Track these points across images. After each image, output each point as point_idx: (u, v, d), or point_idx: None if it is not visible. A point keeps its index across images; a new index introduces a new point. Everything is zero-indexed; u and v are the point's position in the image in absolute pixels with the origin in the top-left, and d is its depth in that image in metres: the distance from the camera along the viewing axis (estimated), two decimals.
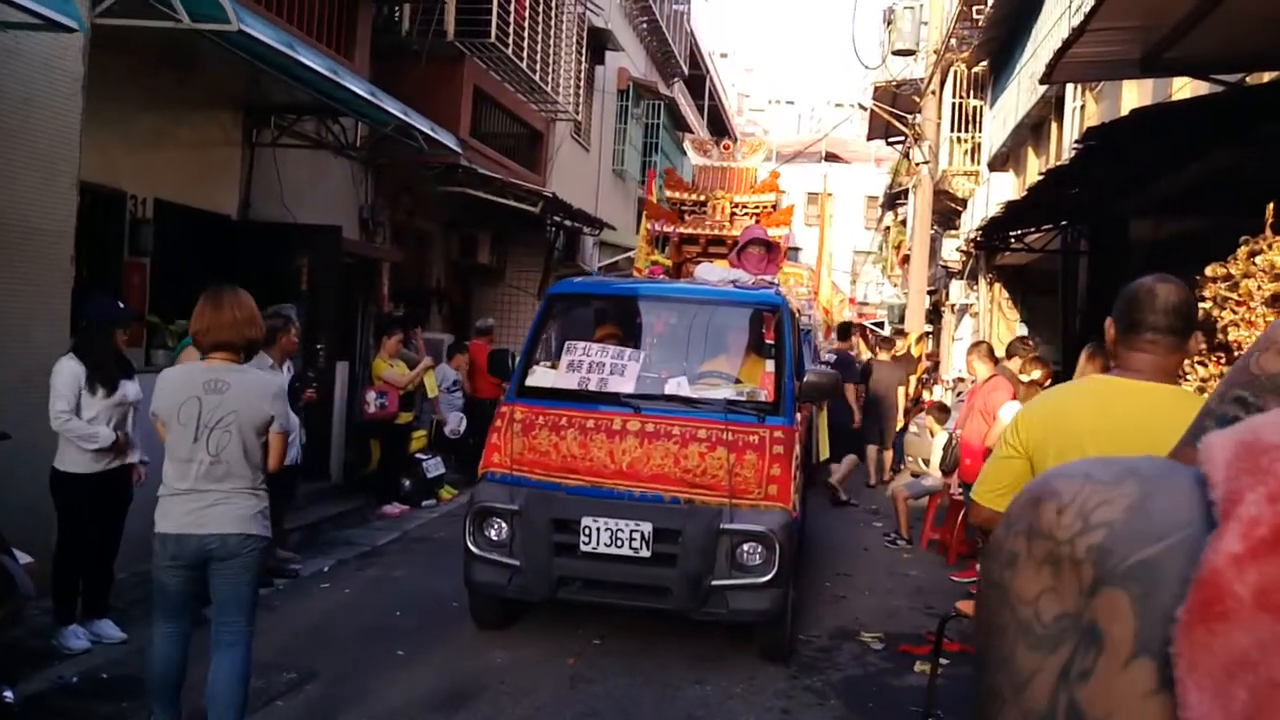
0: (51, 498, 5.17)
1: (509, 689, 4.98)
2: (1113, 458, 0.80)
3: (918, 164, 16.18)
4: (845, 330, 12.33)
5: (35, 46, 5.37)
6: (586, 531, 5.12)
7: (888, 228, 31.42)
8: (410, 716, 4.61)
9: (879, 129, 20.61)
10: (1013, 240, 11.86)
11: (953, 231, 19.02)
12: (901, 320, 20.77)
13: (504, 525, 5.27)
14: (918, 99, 16.29)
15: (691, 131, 22.02)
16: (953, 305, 19.30)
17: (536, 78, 12.06)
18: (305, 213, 9.35)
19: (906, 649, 5.96)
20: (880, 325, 22.89)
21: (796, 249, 20.58)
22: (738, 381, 5.81)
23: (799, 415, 5.91)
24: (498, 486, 5.35)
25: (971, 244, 14.16)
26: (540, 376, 5.76)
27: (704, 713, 4.88)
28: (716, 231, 8.62)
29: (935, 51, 15.45)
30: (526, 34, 11.55)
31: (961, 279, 18.03)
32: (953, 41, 15.68)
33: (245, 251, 8.41)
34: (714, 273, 7.02)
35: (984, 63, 16.44)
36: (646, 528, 5.09)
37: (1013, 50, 14.52)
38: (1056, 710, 0.69)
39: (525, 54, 11.56)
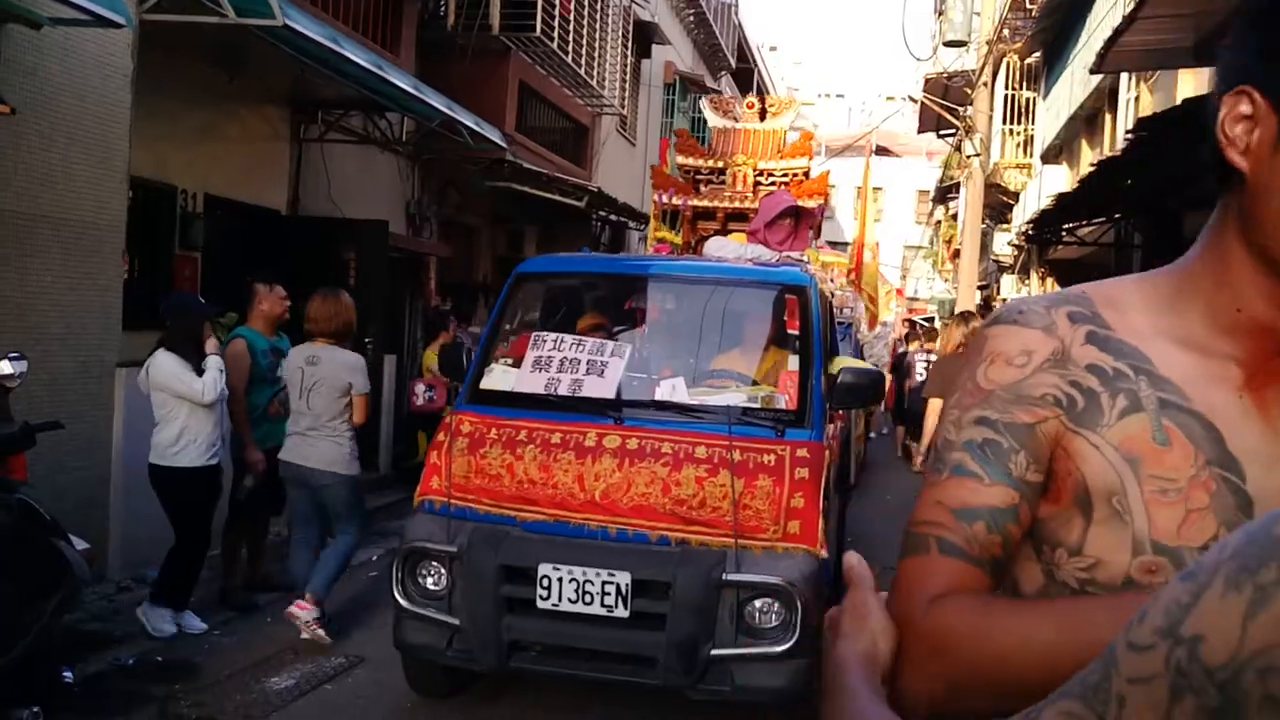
0: (163, 495, 5.25)
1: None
2: None
3: (969, 157, 15.93)
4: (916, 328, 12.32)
5: (86, 44, 5.49)
6: (545, 583, 3.86)
7: (939, 222, 31.02)
8: (458, 702, 4.66)
9: (930, 122, 20.33)
10: (1065, 234, 11.63)
11: (1005, 225, 18.71)
12: (951, 316, 20.48)
13: (441, 571, 4.06)
14: (969, 91, 16.04)
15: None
16: (1005, 300, 19.01)
17: (582, 72, 12.07)
18: (353, 207, 9.46)
19: None
20: (930, 320, 22.63)
21: (841, 244, 20.18)
22: (755, 384, 4.60)
23: (831, 426, 4.66)
24: (435, 521, 4.09)
25: (1022, 237, 13.92)
26: (498, 377, 4.56)
27: None
28: (737, 204, 7.21)
29: (987, 42, 15.19)
30: (572, 28, 11.57)
31: (1013, 274, 17.74)
32: (1005, 32, 15.40)
33: (294, 246, 8.54)
34: (727, 248, 5.93)
35: (1037, 54, 16.14)
36: (624, 578, 3.82)
37: (1066, 40, 14.22)
38: None
39: (570, 48, 11.58)
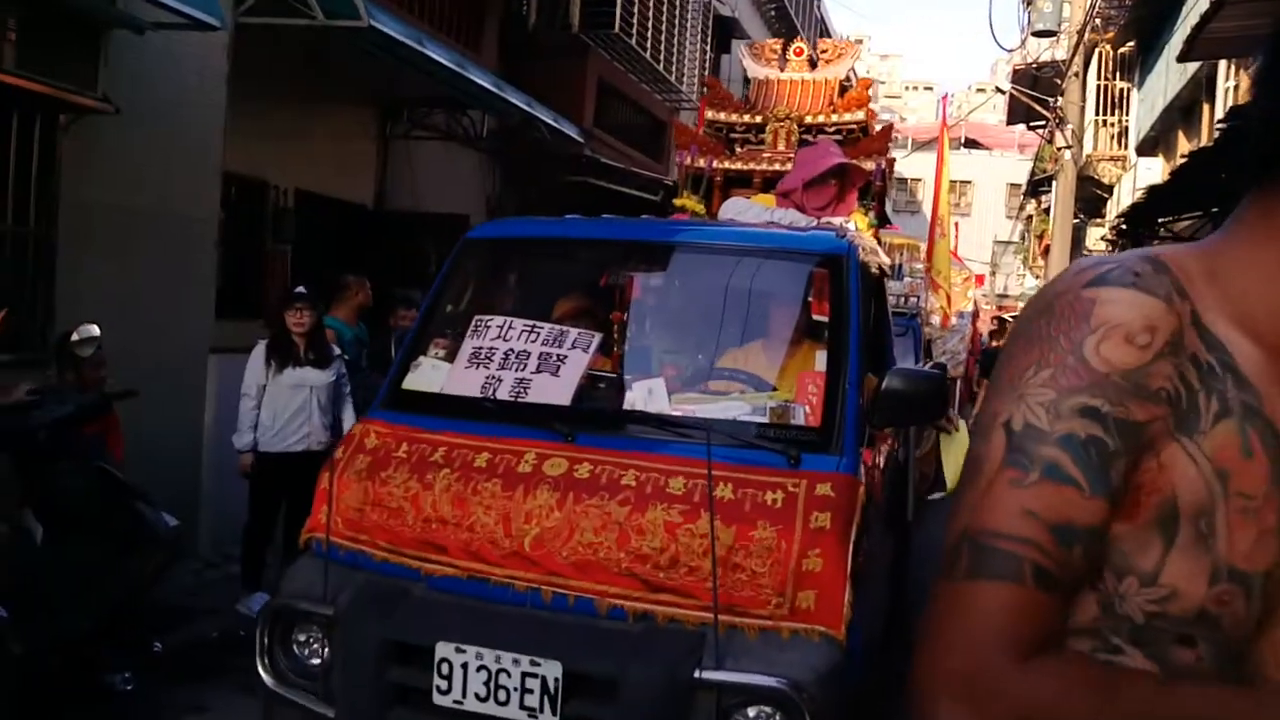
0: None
1: None
2: None
3: (1059, 149, 15.52)
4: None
5: (185, 47, 5.77)
6: (445, 669, 2.73)
7: (1030, 216, 30.24)
8: None
9: (1019, 113, 19.84)
10: (1160, 228, 11.26)
11: (1098, 220, 18.17)
12: None
13: (317, 639, 2.98)
14: (1059, 81, 15.62)
15: None
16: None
17: (660, 68, 12.14)
18: (435, 202, 9.72)
19: None
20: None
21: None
22: (775, 390, 3.34)
23: (873, 451, 3.37)
24: (316, 567, 2.96)
25: (1114, 232, 13.52)
26: (425, 375, 3.49)
27: None
28: (778, 167, 5.69)
29: (1078, 32, 14.77)
30: (651, 24, 11.65)
31: None
32: (1097, 21, 14.96)
33: (378, 239, 8.82)
34: (750, 211, 4.59)
35: (1131, 43, 15.64)
36: (553, 670, 2.66)
37: (1161, 28, 13.76)
38: None
39: (649, 44, 11.66)
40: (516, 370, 3.29)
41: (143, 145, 5.64)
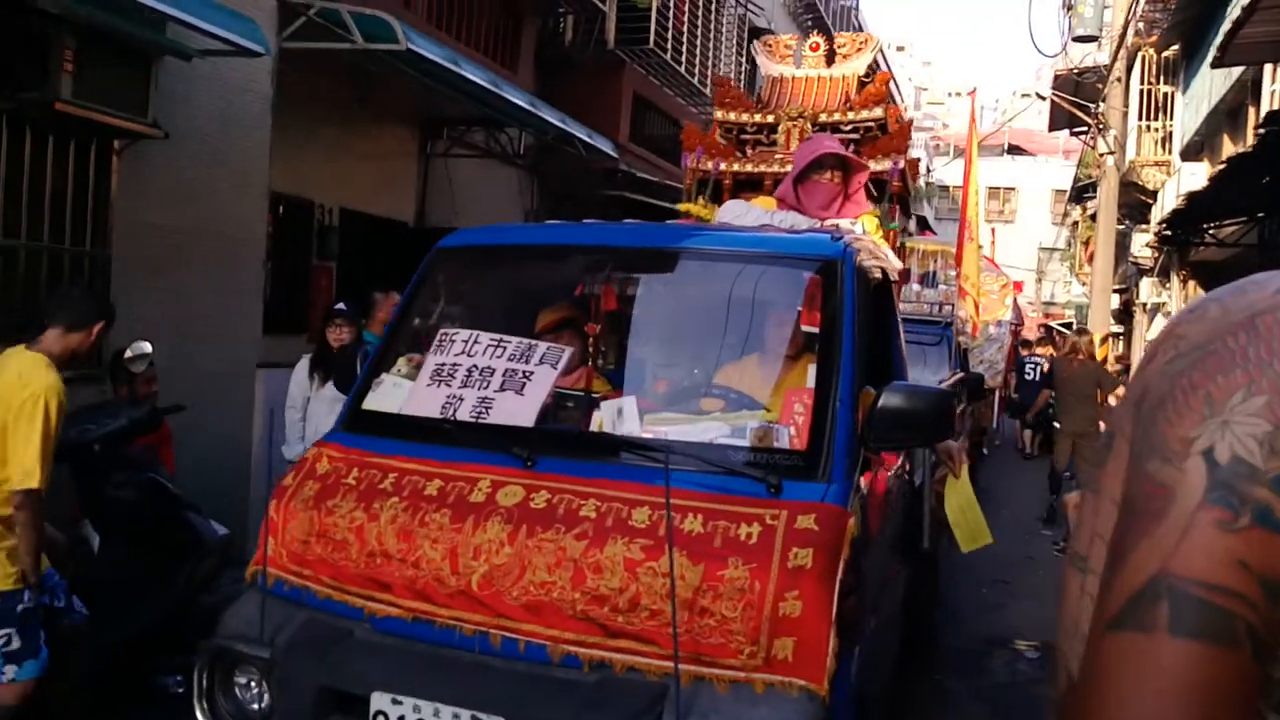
0: None
1: None
2: None
3: (1102, 155, 15.38)
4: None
5: (231, 72, 5.98)
6: None
7: (1075, 223, 29.86)
8: None
9: (1061, 119, 19.66)
10: (1205, 234, 11.12)
11: (1143, 226, 17.94)
12: (1085, 321, 19.76)
13: (255, 684, 2.74)
14: (1101, 86, 15.48)
15: None
16: (1144, 305, 18.20)
17: (695, 80, 12.26)
18: (475, 218, 9.90)
19: None
20: (1068, 327, 21.87)
21: (979, 246, 19.46)
22: (765, 409, 3.04)
23: (871, 476, 3.05)
24: (257, 603, 2.75)
25: (1157, 237, 13.35)
26: (386, 394, 3.25)
27: None
28: (789, 169, 5.11)
29: (1120, 36, 14.64)
30: (685, 38, 11.77)
31: (1153, 276, 16.98)
32: (1140, 25, 14.81)
33: (420, 255, 8.99)
34: (748, 214, 4.22)
35: (1175, 46, 15.45)
36: None
37: (1205, 31, 13.58)
38: None
39: (684, 58, 11.79)
40: (480, 388, 3.02)
41: (192, 167, 5.85)
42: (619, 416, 2.95)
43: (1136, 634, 0.70)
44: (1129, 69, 15.72)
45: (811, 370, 3.00)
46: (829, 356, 2.95)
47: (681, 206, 5.14)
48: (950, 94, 55.99)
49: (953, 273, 7.53)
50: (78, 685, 3.63)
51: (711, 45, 12.82)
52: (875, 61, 5.66)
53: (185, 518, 4.34)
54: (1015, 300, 16.19)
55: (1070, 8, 14.82)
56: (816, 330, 3.05)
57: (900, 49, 52.73)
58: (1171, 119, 15.99)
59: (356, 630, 2.67)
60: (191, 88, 5.74)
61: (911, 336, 7.44)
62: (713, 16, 12.78)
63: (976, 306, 8.24)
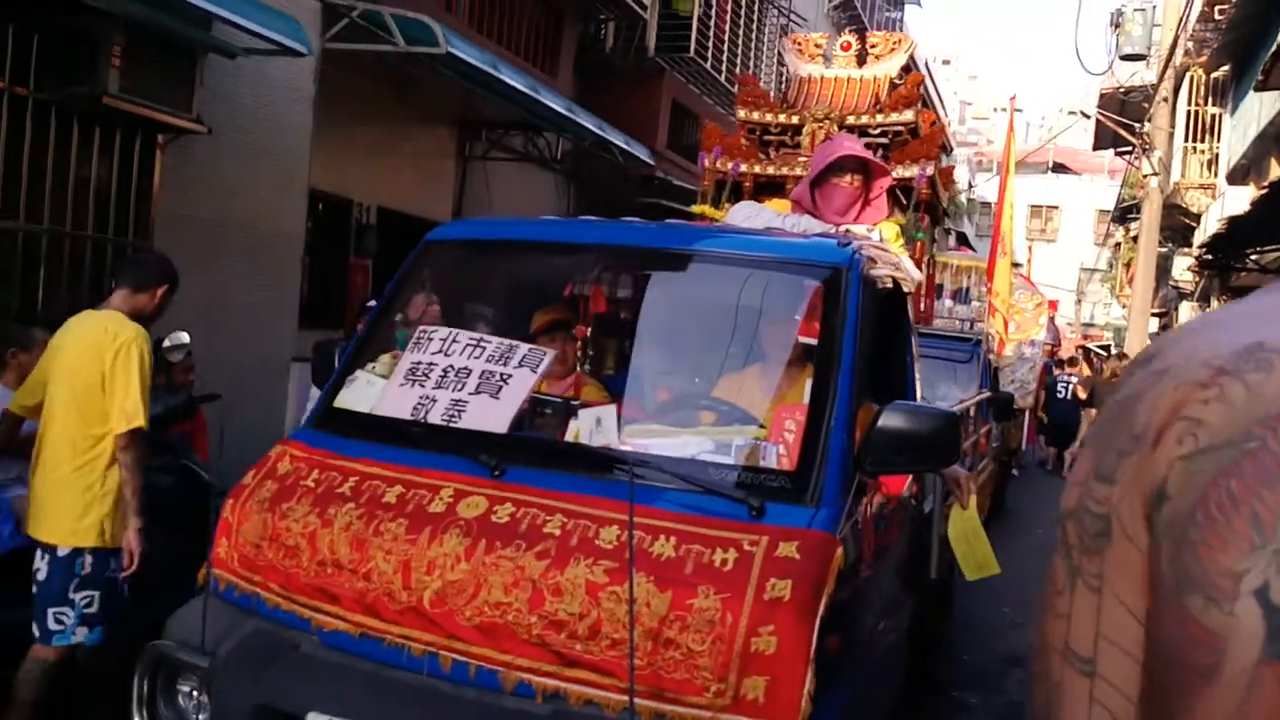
0: None
1: None
2: None
3: (1145, 176, 15.19)
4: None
5: (274, 71, 6.11)
6: None
7: (1118, 244, 29.49)
8: None
9: (1105, 138, 19.45)
10: (1248, 259, 10.96)
11: (1185, 249, 17.69)
12: (1124, 343, 19.52)
13: (197, 693, 2.58)
14: (1147, 106, 15.30)
15: None
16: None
17: (734, 90, 12.27)
18: None
19: None
20: (1106, 349, 21.63)
21: (1016, 264, 19.09)
22: (761, 425, 2.82)
23: (867, 502, 2.79)
24: (197, 608, 2.58)
25: (1198, 261, 13.17)
26: (359, 391, 3.07)
27: None
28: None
29: (1167, 55, 14.46)
30: (726, 47, 11.80)
31: (1193, 300, 16.74)
32: (1189, 44, 14.62)
33: None
34: (759, 216, 4.00)
35: (1225, 67, 15.23)
36: None
37: (1257, 52, 13.38)
38: None
39: (724, 67, 11.81)
40: (454, 390, 2.81)
41: (234, 163, 5.98)
42: (597, 426, 2.75)
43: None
44: (1176, 89, 15.52)
45: (809, 385, 2.78)
46: (826, 371, 2.73)
47: (695, 208, 4.84)
48: (995, 109, 55.52)
49: (985, 289, 7.39)
50: (107, 663, 3.73)
51: (752, 54, 12.84)
52: (909, 64, 5.35)
53: (217, 505, 4.45)
54: (1053, 320, 15.94)
55: (1118, 26, 14.67)
56: (815, 342, 2.84)
57: (946, 62, 52.38)
58: (1218, 141, 15.77)
59: (304, 643, 2.48)
60: (235, 85, 5.87)
61: (942, 353, 7.35)
62: (754, 25, 12.81)
63: (1005, 324, 7.99)
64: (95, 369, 3.30)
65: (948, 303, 10.27)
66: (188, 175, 5.70)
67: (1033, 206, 38.34)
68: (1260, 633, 0.60)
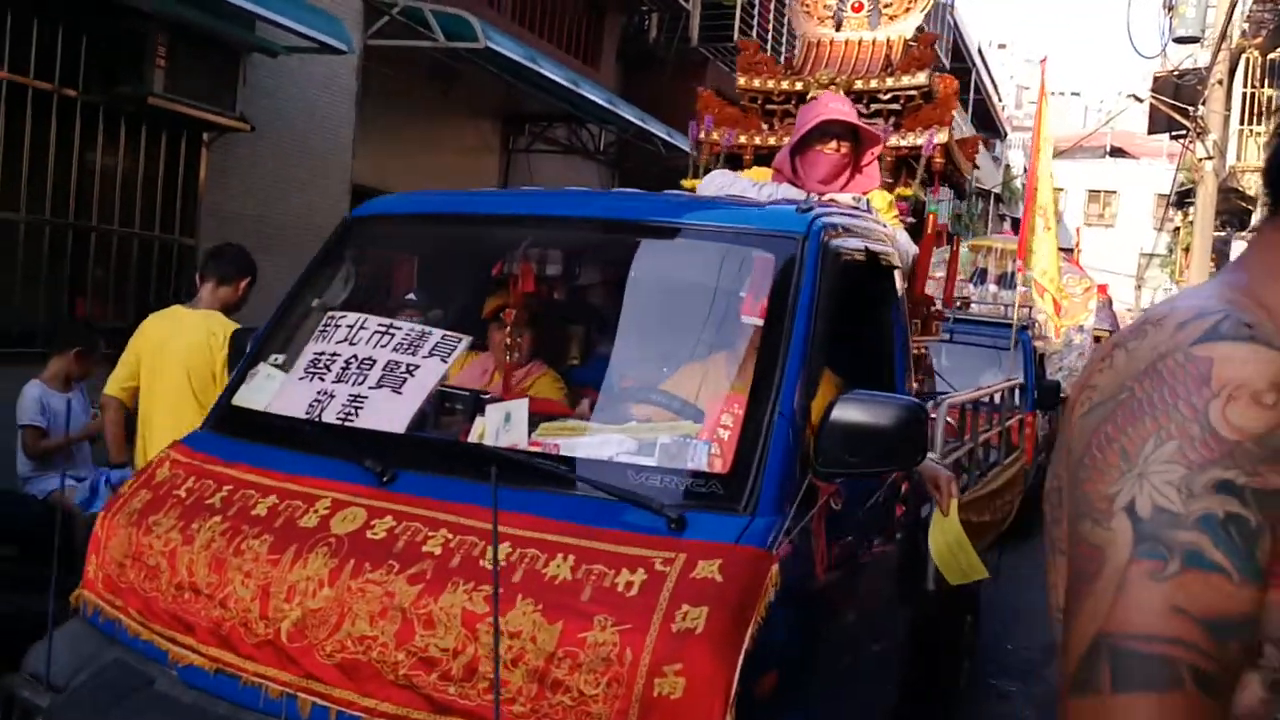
0: None
1: None
2: None
3: (1200, 160, 14.83)
4: None
5: (316, 68, 6.22)
6: None
7: (1177, 228, 28.80)
8: None
9: (1160, 122, 18.98)
10: None
11: (1243, 233, 17.24)
12: None
13: None
14: (1201, 89, 14.92)
15: None
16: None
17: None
18: None
19: None
20: None
21: (1068, 249, 18.22)
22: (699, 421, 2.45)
23: (823, 508, 2.32)
24: (80, 635, 2.35)
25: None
26: (259, 387, 2.71)
27: None
28: None
29: (1221, 37, 14.08)
30: (770, 35, 11.73)
31: None
32: (1245, 26, 14.21)
33: None
34: (734, 185, 3.64)
35: None
36: None
37: None
38: None
39: (768, 53, 11.76)
40: (354, 384, 2.45)
41: (277, 160, 6.10)
42: (505, 424, 2.37)
43: (1088, 697, 0.71)
44: (1231, 71, 15.12)
45: (751, 376, 2.34)
46: (771, 356, 2.29)
47: (686, 183, 4.31)
48: (1054, 92, 54.47)
49: (1017, 267, 6.85)
50: None
51: (797, 42, 12.76)
52: (923, 24, 4.83)
53: None
54: (1110, 305, 15.46)
55: (1171, 8, 14.32)
56: (759, 322, 2.39)
57: (1002, 46, 51.41)
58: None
59: (159, 679, 2.15)
60: (278, 83, 5.99)
61: (985, 340, 7.20)
62: None
63: (1057, 306, 7.45)
64: (209, 366, 3.58)
65: (991, 287, 10.08)
66: (232, 172, 5.84)
67: (1091, 191, 37.54)
68: (1130, 538, 0.73)
